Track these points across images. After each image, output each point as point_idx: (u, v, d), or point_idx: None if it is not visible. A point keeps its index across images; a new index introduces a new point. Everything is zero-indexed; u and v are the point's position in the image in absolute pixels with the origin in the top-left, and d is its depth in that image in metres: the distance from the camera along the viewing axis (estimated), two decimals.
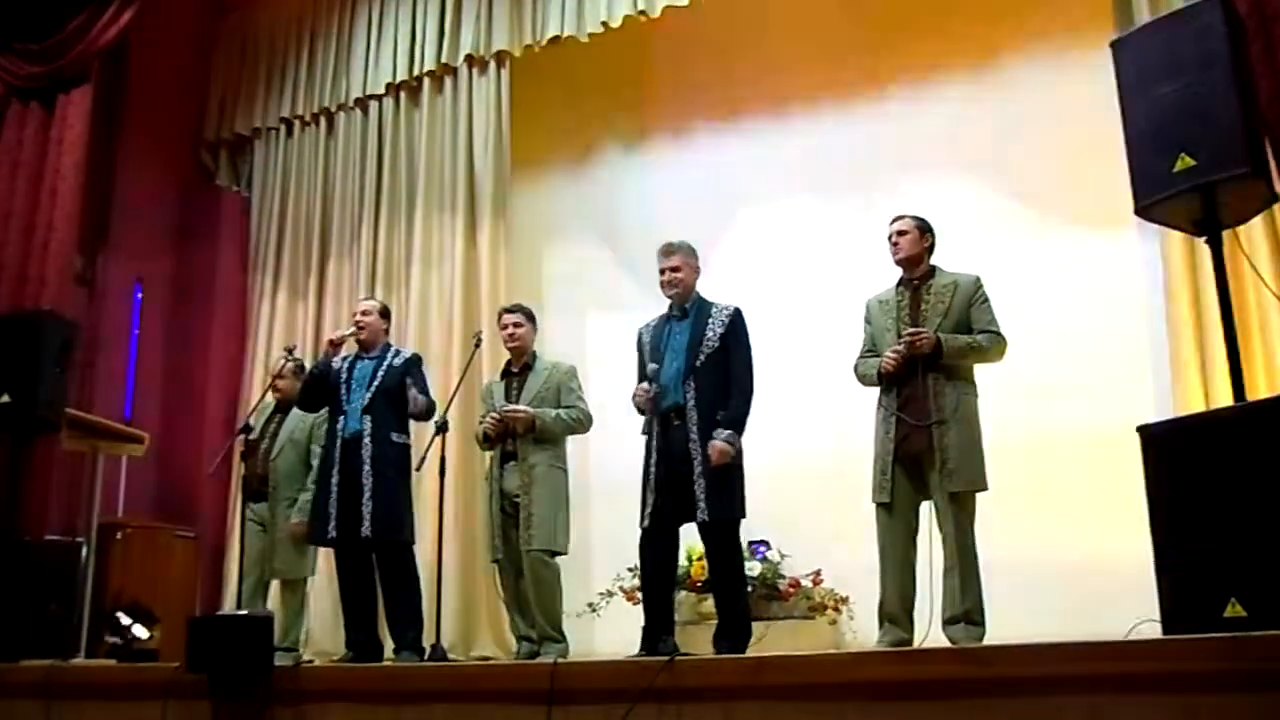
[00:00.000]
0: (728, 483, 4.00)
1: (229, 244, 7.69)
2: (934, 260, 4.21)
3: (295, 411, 5.30)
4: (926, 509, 4.01)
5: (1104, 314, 5.52)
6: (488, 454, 4.91)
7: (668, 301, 4.32)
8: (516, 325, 4.83)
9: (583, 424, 4.73)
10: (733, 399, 4.07)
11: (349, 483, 4.62)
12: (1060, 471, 5.32)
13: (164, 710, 4.20)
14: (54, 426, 5.63)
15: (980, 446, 3.95)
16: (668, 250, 4.27)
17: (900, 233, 4.14)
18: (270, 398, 5.58)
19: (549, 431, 4.64)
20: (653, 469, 4.02)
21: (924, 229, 4.17)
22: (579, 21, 6.42)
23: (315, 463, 5.19)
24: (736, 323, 4.17)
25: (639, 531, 4.09)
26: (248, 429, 5.07)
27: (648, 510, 4.01)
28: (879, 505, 4.01)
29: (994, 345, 4.04)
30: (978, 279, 4.13)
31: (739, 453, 4.05)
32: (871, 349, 4.21)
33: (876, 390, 4.15)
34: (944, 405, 3.92)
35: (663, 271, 4.26)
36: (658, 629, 3.99)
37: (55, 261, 6.42)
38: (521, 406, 4.62)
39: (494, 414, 4.68)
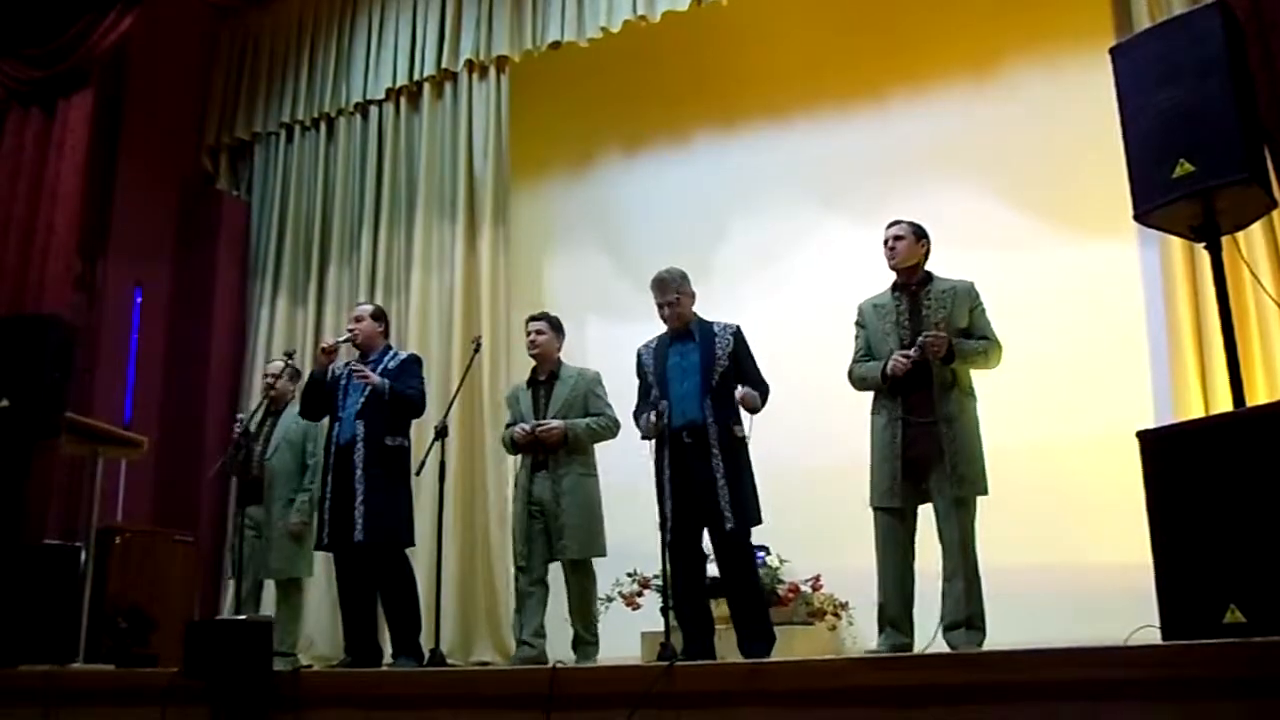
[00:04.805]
0: (744, 492, 4.10)
1: (229, 249, 7.68)
2: (932, 265, 4.20)
3: (289, 412, 5.31)
4: (922, 514, 4.01)
5: (1104, 319, 5.52)
6: (514, 458, 4.96)
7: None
8: (539, 333, 4.82)
9: (611, 431, 4.75)
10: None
11: (342, 488, 4.63)
12: (1060, 477, 5.32)
13: (163, 715, 4.19)
14: (54, 431, 5.62)
15: (982, 451, 3.96)
16: (662, 286, 4.32)
17: (897, 238, 4.13)
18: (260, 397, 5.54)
19: (581, 442, 4.68)
20: (667, 485, 4.05)
21: (920, 234, 4.16)
22: (579, 27, 6.44)
23: (311, 463, 5.25)
24: (740, 339, 4.31)
25: (650, 541, 4.15)
26: (247, 433, 5.06)
27: (669, 525, 4.05)
28: (881, 509, 4.00)
29: (995, 352, 4.07)
30: (973, 285, 4.12)
31: (748, 461, 4.16)
32: (867, 353, 4.19)
33: (870, 394, 4.15)
34: (950, 410, 3.92)
35: (661, 306, 4.33)
36: (703, 634, 4.10)
37: (55, 266, 6.43)
38: (554, 421, 4.63)
39: (523, 426, 4.68)
